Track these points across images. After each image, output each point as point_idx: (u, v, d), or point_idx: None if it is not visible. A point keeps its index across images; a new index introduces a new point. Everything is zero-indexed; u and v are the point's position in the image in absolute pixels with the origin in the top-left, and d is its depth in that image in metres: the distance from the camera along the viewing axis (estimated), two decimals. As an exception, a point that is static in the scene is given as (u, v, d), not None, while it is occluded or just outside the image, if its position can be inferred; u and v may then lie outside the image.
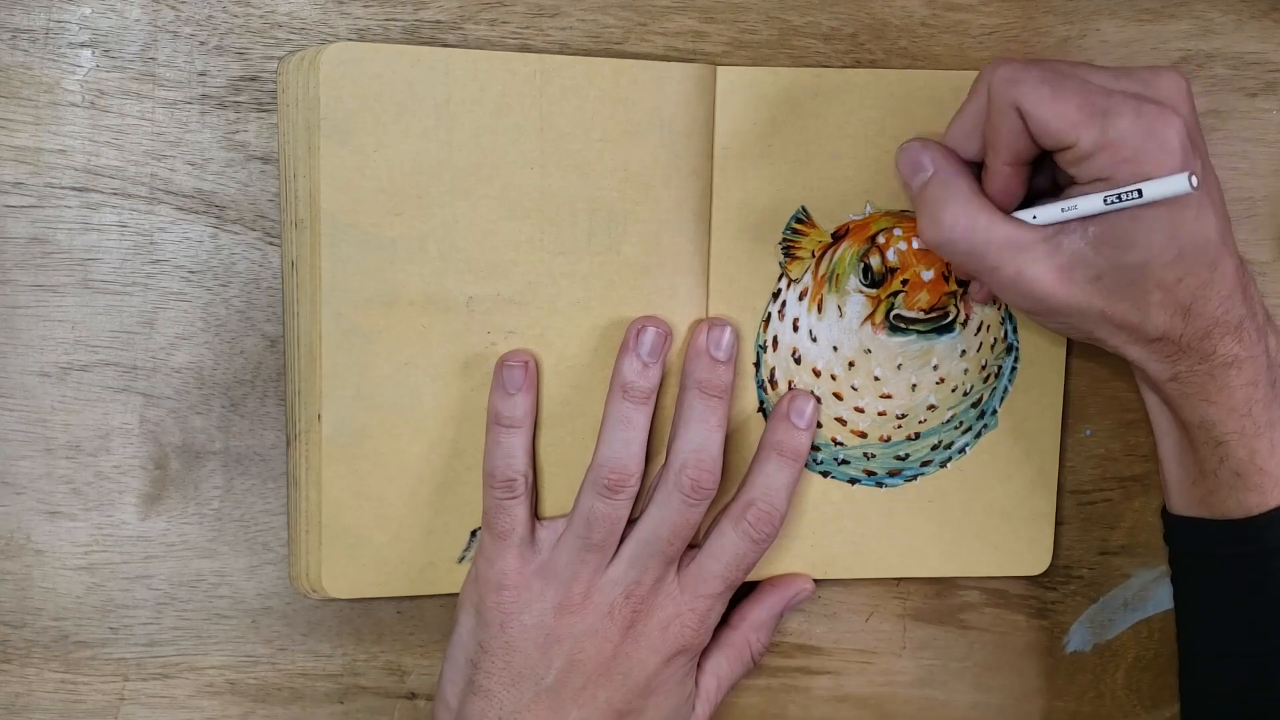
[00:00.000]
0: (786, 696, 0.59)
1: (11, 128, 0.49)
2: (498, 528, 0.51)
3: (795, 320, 0.54)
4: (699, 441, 0.51)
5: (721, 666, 0.55)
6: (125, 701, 0.54)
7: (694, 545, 0.53)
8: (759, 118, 0.52)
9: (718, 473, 0.51)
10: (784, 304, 0.54)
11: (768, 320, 0.54)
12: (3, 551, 0.52)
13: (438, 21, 0.51)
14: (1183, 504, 0.52)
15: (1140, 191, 0.44)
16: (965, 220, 0.47)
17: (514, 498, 0.51)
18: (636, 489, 0.51)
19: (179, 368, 0.52)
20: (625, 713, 0.51)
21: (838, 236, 0.53)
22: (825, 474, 0.55)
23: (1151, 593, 0.60)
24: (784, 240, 0.53)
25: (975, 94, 0.49)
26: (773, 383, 0.54)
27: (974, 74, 0.53)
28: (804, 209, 0.53)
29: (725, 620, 0.55)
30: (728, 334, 0.52)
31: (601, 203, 0.51)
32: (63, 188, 0.50)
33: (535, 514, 0.52)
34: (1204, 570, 0.52)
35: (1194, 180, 0.44)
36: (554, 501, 0.52)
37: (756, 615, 0.55)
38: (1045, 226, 0.47)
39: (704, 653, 0.54)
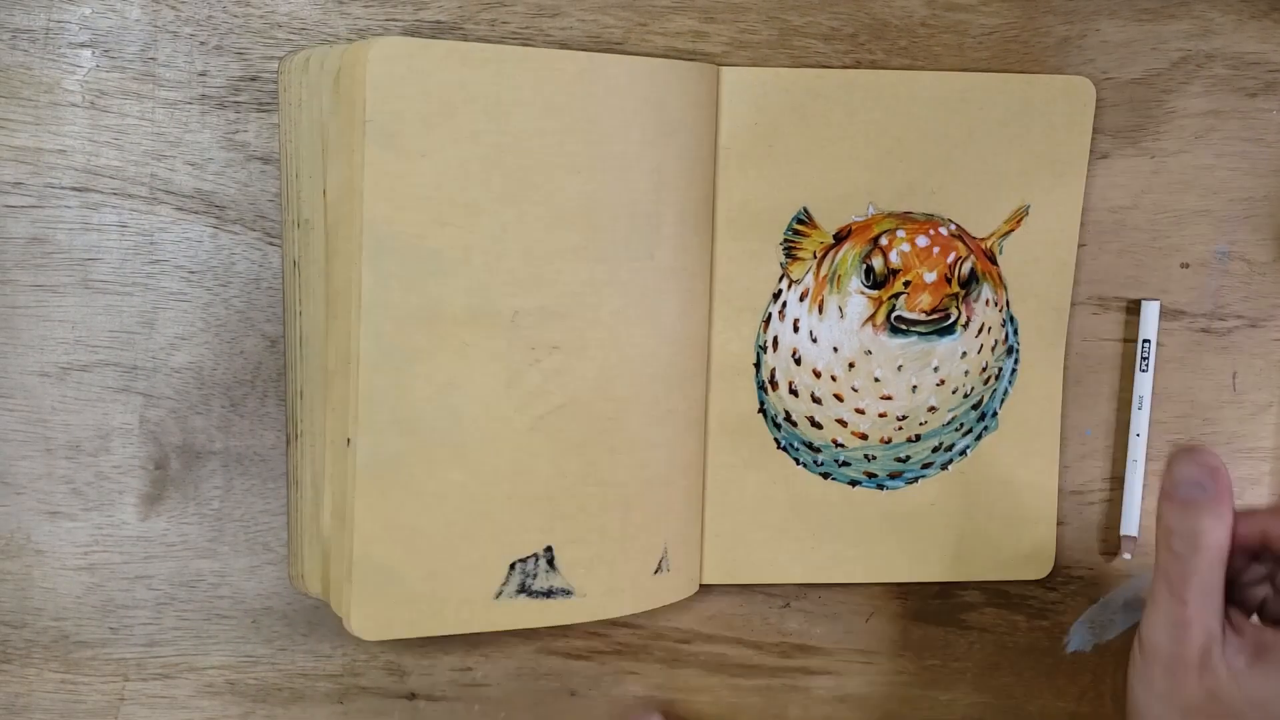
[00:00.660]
0: (787, 696, 0.59)
1: (11, 128, 0.49)
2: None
3: (796, 321, 0.54)
4: None
5: None
6: (125, 701, 0.54)
7: None
8: (761, 118, 0.52)
9: None
10: (785, 304, 0.54)
11: (768, 321, 0.54)
12: (3, 551, 0.52)
13: (438, 22, 0.51)
14: None
15: None
16: (1220, 557, 0.45)
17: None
18: None
19: (179, 368, 0.52)
20: None
21: (840, 237, 0.53)
22: (826, 475, 0.55)
23: (1152, 593, 0.60)
24: (785, 241, 0.53)
25: None
26: (773, 383, 0.54)
27: (978, 75, 0.53)
28: (806, 210, 0.53)
29: None
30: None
31: (637, 206, 0.49)
32: (63, 188, 0.50)
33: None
34: None
35: None
36: (579, 521, 0.50)
37: None
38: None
39: None
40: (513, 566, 0.50)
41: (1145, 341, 0.57)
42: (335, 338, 0.48)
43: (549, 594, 0.51)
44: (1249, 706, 0.44)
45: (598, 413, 0.50)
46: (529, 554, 0.50)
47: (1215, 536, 0.45)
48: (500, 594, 0.50)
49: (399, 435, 0.47)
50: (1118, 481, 0.59)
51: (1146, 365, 0.57)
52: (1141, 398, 0.57)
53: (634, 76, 0.49)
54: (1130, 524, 0.58)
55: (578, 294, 0.49)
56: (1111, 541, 0.60)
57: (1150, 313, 0.56)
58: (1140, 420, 0.57)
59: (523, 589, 0.50)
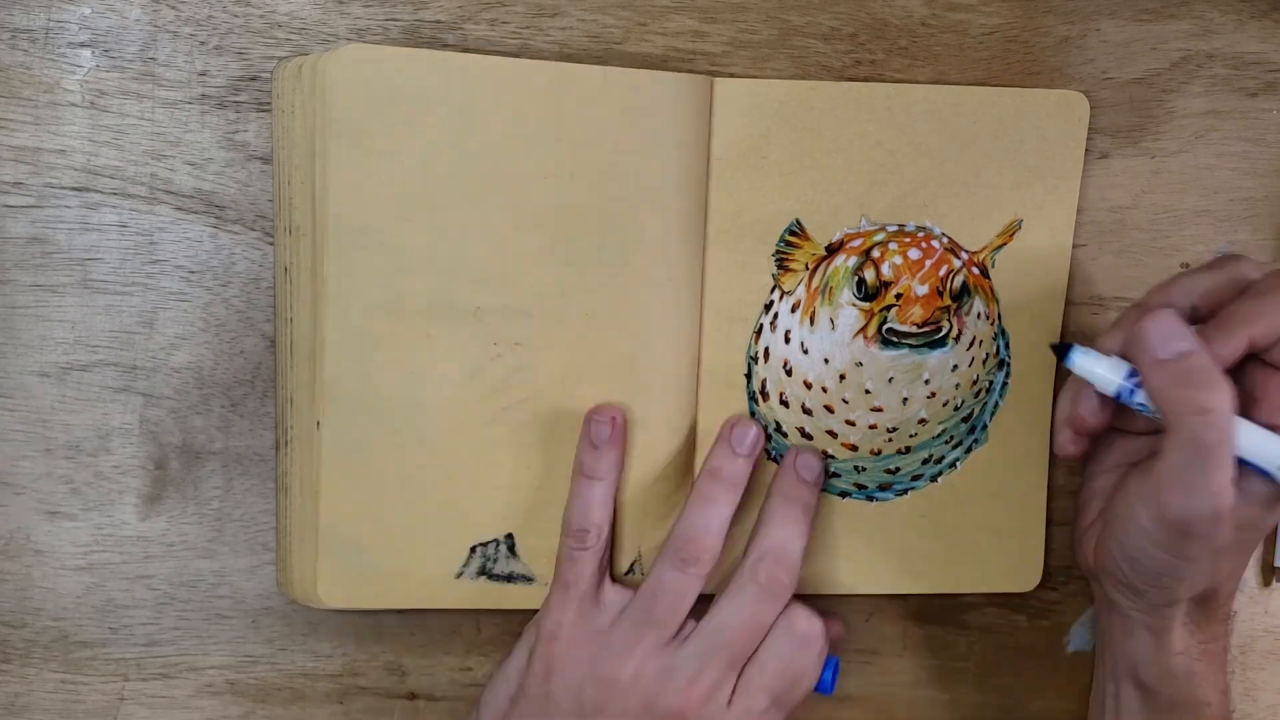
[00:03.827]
0: (786, 697, 0.59)
1: (11, 128, 0.49)
2: (564, 577, 0.50)
3: (787, 332, 0.54)
4: (781, 540, 0.51)
5: None
6: (125, 701, 0.54)
7: None
8: (754, 130, 0.52)
9: (796, 573, 0.51)
10: (776, 316, 0.54)
11: (759, 332, 0.54)
12: (3, 551, 0.52)
13: (438, 21, 0.51)
14: None
15: None
16: (1229, 420, 0.44)
17: (584, 549, 0.50)
18: (708, 568, 0.50)
19: (179, 368, 0.52)
20: None
21: (832, 249, 0.53)
22: None
23: (1152, 593, 0.60)
24: (777, 252, 0.53)
25: (1231, 267, 0.48)
26: (764, 394, 0.54)
27: (971, 89, 0.53)
28: (798, 221, 0.53)
29: None
30: (814, 460, 0.53)
31: (612, 214, 0.50)
32: (63, 188, 0.50)
33: (609, 573, 0.52)
34: None
35: None
36: (541, 512, 0.52)
37: None
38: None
39: None
40: (473, 549, 0.52)
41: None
42: (301, 325, 0.50)
43: (509, 579, 0.52)
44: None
45: (564, 410, 0.51)
46: (490, 539, 0.52)
47: (1226, 398, 0.45)
48: (461, 574, 0.52)
49: (364, 419, 0.49)
50: (1118, 481, 0.59)
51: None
52: None
53: (607, 87, 0.49)
54: None
55: (543, 294, 0.50)
56: (1111, 541, 0.60)
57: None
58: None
59: (483, 571, 0.52)
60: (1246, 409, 0.46)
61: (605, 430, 0.50)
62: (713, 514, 0.51)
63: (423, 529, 0.51)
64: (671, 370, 0.52)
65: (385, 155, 0.47)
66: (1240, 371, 0.46)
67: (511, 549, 0.52)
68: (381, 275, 0.48)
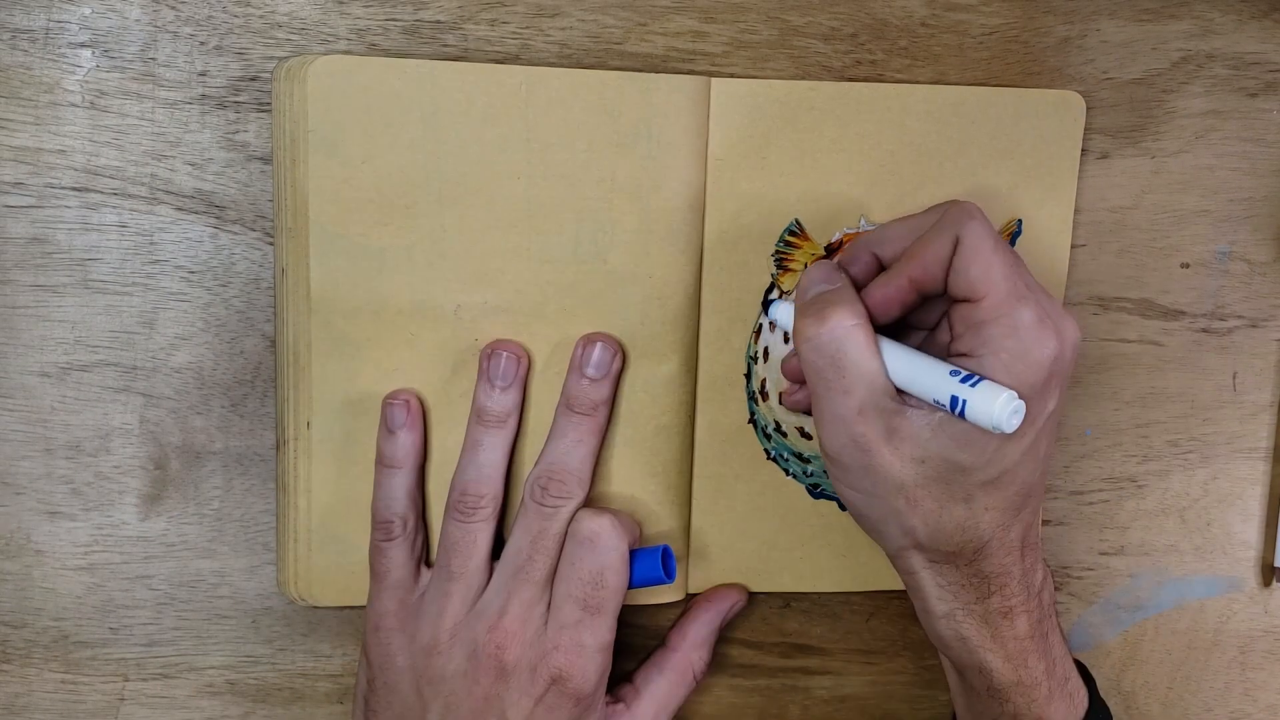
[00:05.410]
0: (787, 697, 0.59)
1: (11, 128, 0.49)
2: (375, 569, 0.50)
3: (786, 333, 0.54)
4: (557, 454, 0.50)
5: (662, 689, 0.54)
6: (125, 701, 0.54)
7: None
8: (753, 130, 0.52)
9: (573, 481, 0.50)
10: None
11: (759, 332, 0.54)
12: (3, 551, 0.52)
13: (438, 21, 0.51)
14: None
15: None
16: (851, 333, 0.45)
17: (390, 540, 0.50)
18: (492, 511, 0.50)
19: (179, 368, 0.52)
20: None
21: (831, 250, 0.53)
22: (815, 487, 0.55)
23: (1151, 593, 0.60)
24: (777, 252, 0.53)
25: (931, 211, 0.48)
26: (763, 394, 0.54)
27: (970, 89, 0.53)
28: (797, 222, 0.53)
29: (664, 642, 0.55)
30: (597, 350, 0.51)
31: (588, 212, 0.51)
32: (63, 188, 0.50)
33: (423, 557, 0.52)
34: None
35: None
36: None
37: (696, 634, 0.54)
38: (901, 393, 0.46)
39: (643, 677, 0.54)
40: None
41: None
42: (292, 325, 0.50)
43: None
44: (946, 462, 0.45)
45: (546, 406, 0.52)
46: None
47: (856, 327, 0.46)
48: None
49: (352, 417, 0.51)
50: (1117, 481, 0.59)
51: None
52: None
53: (578, 89, 0.50)
54: None
55: (521, 291, 0.51)
56: (1111, 542, 0.60)
57: None
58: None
59: None
60: (951, 350, 0.46)
61: (400, 414, 0.50)
62: (483, 458, 0.50)
63: None
64: (651, 366, 0.52)
65: (362, 162, 0.49)
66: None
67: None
68: (363, 278, 0.49)
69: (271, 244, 0.52)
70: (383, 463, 0.50)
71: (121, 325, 0.51)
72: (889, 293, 0.47)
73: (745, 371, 0.54)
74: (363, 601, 0.52)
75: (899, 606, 0.59)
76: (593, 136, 0.50)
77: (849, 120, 0.52)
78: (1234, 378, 0.59)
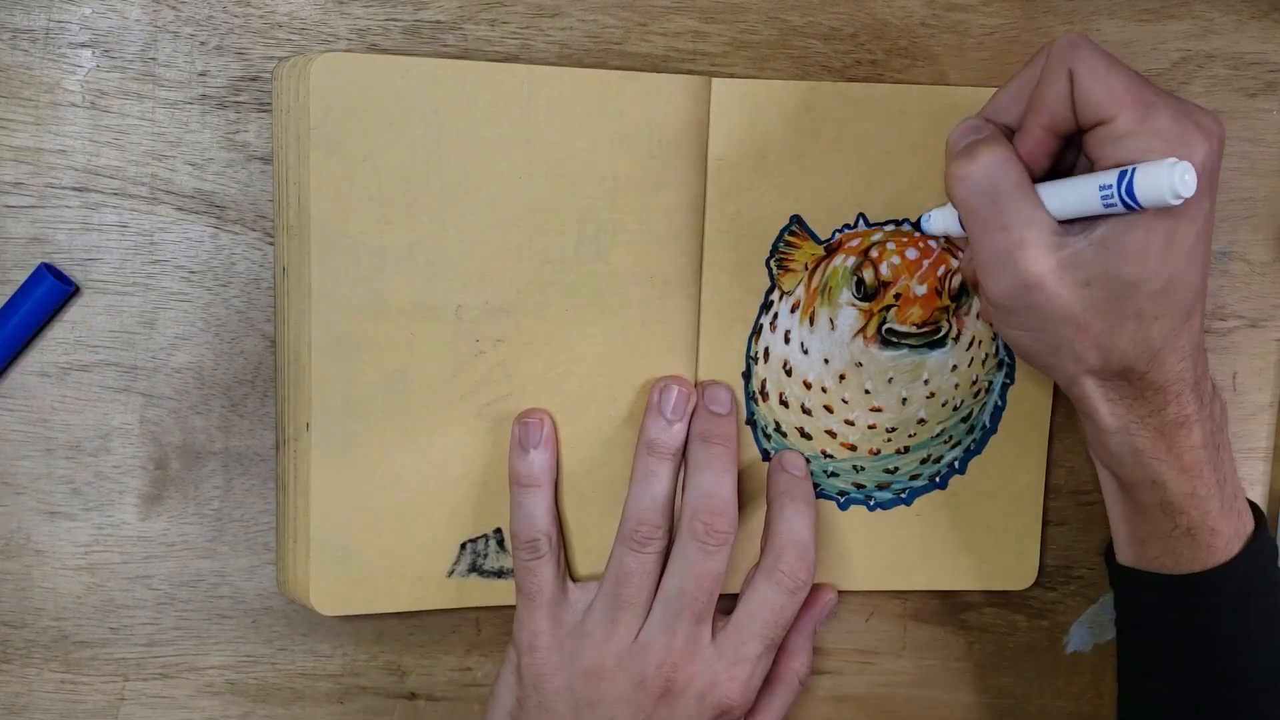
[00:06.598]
0: (786, 696, 0.59)
1: (11, 128, 0.49)
2: (526, 589, 0.51)
3: (787, 332, 0.54)
4: (707, 487, 0.51)
5: (774, 705, 0.54)
6: (125, 701, 0.54)
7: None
8: (753, 130, 0.52)
9: (731, 515, 0.51)
10: (776, 316, 0.54)
11: (759, 332, 0.54)
12: (3, 551, 0.52)
13: (438, 21, 0.51)
14: (1132, 557, 0.52)
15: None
16: (1004, 166, 0.46)
17: (539, 558, 0.51)
18: (664, 542, 0.51)
19: (179, 368, 0.52)
20: None
21: (831, 249, 0.53)
22: (814, 486, 0.55)
23: (1151, 593, 0.60)
24: (776, 252, 0.53)
25: (1034, 62, 0.48)
26: (763, 394, 0.54)
27: (969, 89, 0.53)
28: (797, 221, 0.53)
29: None
30: (722, 392, 0.52)
31: (589, 212, 0.51)
32: (63, 188, 0.50)
33: (568, 572, 0.52)
34: (1151, 617, 0.52)
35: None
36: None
37: (793, 642, 0.55)
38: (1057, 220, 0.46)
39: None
40: (464, 546, 0.52)
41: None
42: (292, 325, 0.50)
43: (500, 574, 0.53)
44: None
45: (546, 405, 0.52)
46: (479, 535, 0.52)
47: (1008, 160, 0.46)
48: (452, 572, 0.52)
49: (352, 419, 0.50)
50: (1117, 481, 0.59)
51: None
52: None
53: (580, 89, 0.50)
54: None
55: (522, 291, 0.51)
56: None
57: None
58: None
59: (474, 568, 0.53)
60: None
61: (535, 433, 0.51)
62: (656, 490, 0.51)
63: (413, 527, 0.51)
64: (652, 365, 0.52)
65: (363, 161, 0.48)
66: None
67: (500, 544, 0.53)
68: (364, 277, 0.49)
69: (271, 244, 0.52)
70: (519, 482, 0.51)
71: (121, 325, 0.51)
72: (1029, 147, 0.47)
73: (745, 371, 0.54)
74: (367, 610, 0.52)
75: (899, 606, 0.59)
76: (594, 136, 0.50)
77: (848, 120, 0.52)
78: (1234, 378, 0.59)
